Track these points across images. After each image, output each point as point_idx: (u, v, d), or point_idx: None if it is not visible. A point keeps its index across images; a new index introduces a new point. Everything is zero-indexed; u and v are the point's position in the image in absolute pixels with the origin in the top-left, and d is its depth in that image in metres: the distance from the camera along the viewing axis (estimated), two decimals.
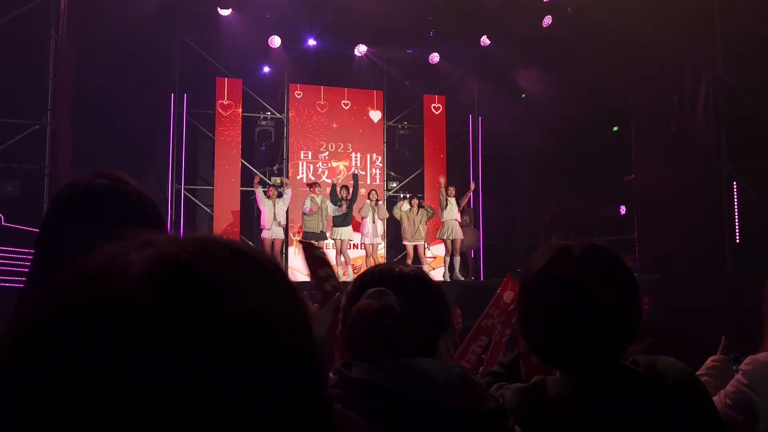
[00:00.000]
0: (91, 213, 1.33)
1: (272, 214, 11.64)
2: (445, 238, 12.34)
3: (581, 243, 1.49)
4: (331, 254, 12.21)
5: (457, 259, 12.20)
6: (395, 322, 1.30)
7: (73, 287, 0.49)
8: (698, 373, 2.09)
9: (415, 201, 12.63)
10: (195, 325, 0.47)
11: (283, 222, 11.91)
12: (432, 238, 13.09)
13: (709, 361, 2.30)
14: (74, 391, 0.44)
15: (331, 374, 1.30)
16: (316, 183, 12.19)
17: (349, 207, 11.93)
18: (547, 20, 12.62)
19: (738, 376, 1.93)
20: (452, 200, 12.27)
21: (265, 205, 11.69)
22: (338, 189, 12.02)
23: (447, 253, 12.47)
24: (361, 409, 1.17)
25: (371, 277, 1.44)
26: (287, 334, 0.51)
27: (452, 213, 12.23)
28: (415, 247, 12.42)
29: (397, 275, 1.41)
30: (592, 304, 1.38)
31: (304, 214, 11.84)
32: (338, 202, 11.82)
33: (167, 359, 0.45)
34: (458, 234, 12.24)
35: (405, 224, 12.37)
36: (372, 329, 1.31)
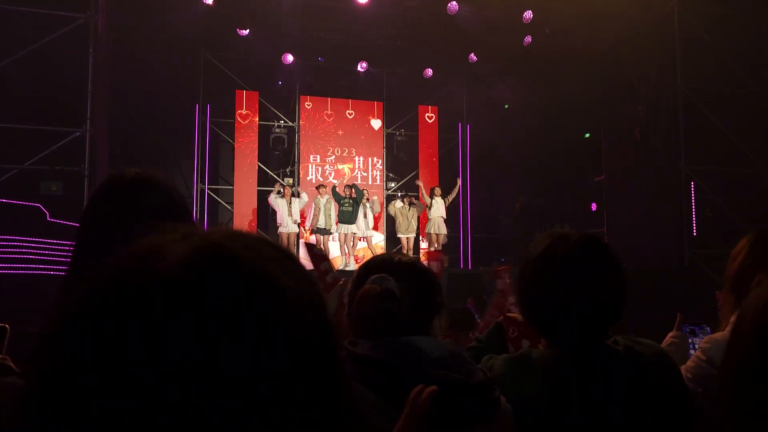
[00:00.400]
0: (131, 197, 1.35)
1: (287, 211, 11.63)
2: (431, 232, 12.38)
3: (578, 232, 1.49)
4: (334, 248, 12.23)
5: None
6: (395, 304, 1.31)
7: (128, 270, 0.48)
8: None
9: (407, 199, 12.70)
10: (242, 305, 0.47)
11: (297, 219, 11.90)
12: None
13: (668, 338, 2.33)
14: (135, 364, 0.43)
15: None
16: (322, 185, 12.17)
17: (354, 207, 11.88)
18: (528, 39, 12.61)
19: (697, 353, 1.95)
20: (438, 199, 12.27)
21: (279, 205, 11.68)
22: (341, 189, 11.99)
23: (431, 245, 12.51)
24: (366, 382, 1.17)
25: (373, 265, 1.44)
26: (313, 311, 0.52)
27: (438, 211, 12.23)
28: (408, 240, 12.40)
29: (396, 264, 1.42)
30: (584, 287, 1.38)
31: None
32: (341, 200, 11.80)
33: (218, 334, 0.45)
34: (442, 229, 12.29)
35: (399, 220, 12.38)
36: (375, 310, 1.31)
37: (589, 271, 1.40)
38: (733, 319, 1.88)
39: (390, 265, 1.42)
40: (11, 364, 1.05)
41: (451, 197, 12.67)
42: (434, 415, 1.16)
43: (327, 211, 11.88)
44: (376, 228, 13.15)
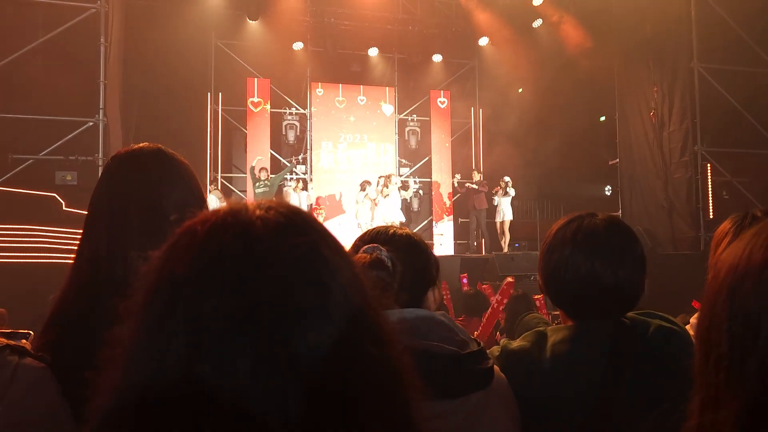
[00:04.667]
0: (141, 165, 1.41)
1: (297, 203, 11.67)
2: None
3: (604, 214, 1.53)
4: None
5: None
6: (384, 273, 1.31)
7: (229, 234, 0.58)
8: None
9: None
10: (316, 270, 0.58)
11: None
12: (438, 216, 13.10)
13: (692, 321, 2.32)
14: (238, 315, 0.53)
15: None
16: (263, 168, 11.93)
17: (270, 190, 11.74)
18: (538, 22, 12.56)
19: (687, 327, 1.96)
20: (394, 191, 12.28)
21: (294, 199, 11.76)
22: (258, 171, 11.83)
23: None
24: None
25: (368, 236, 1.45)
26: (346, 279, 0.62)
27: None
28: None
29: (390, 236, 1.43)
30: (606, 262, 1.41)
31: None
32: (255, 183, 11.72)
33: (307, 287, 0.56)
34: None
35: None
36: None
37: (612, 248, 1.43)
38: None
39: (384, 236, 1.43)
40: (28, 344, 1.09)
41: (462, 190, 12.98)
42: (428, 385, 1.18)
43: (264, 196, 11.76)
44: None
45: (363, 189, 12.17)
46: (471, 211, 13.04)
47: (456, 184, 13.33)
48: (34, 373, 1.03)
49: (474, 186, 12.84)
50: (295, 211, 0.62)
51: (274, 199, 0.68)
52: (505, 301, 5.45)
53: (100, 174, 1.49)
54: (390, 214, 12.00)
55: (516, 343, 1.47)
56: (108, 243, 1.31)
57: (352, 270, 0.62)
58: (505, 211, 12.69)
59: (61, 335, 1.23)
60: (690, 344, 1.46)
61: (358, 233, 1.72)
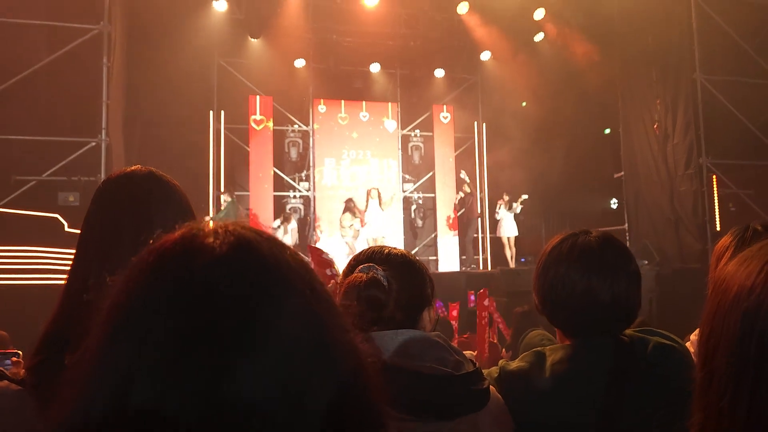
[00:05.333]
0: (133, 187, 1.42)
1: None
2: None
3: (598, 231, 1.54)
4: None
5: None
6: (380, 292, 1.32)
7: (175, 259, 0.57)
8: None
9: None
10: (268, 293, 0.57)
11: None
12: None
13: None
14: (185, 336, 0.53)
15: None
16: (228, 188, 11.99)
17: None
18: (539, 37, 12.62)
19: (688, 344, 1.94)
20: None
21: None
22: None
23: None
24: None
25: (363, 256, 1.46)
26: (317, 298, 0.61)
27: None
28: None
29: (385, 255, 1.43)
30: (601, 279, 1.42)
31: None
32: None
33: (250, 314, 0.55)
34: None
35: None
36: (361, 298, 1.32)
37: (607, 264, 1.44)
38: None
39: (380, 256, 1.43)
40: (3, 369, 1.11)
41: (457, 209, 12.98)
42: (423, 407, 1.19)
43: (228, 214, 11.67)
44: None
45: (353, 214, 12.19)
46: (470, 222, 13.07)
47: (456, 201, 13.29)
48: (10, 396, 1.05)
49: (468, 191, 12.91)
50: (246, 239, 0.60)
51: (234, 220, 0.65)
52: (485, 316, 5.46)
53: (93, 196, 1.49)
54: (377, 231, 12.04)
55: (514, 364, 1.47)
56: (99, 265, 1.30)
57: (307, 303, 0.59)
58: (507, 226, 12.66)
59: (50, 357, 1.23)
60: (690, 361, 1.44)
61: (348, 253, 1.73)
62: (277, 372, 0.53)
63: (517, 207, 12.70)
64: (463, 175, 13.18)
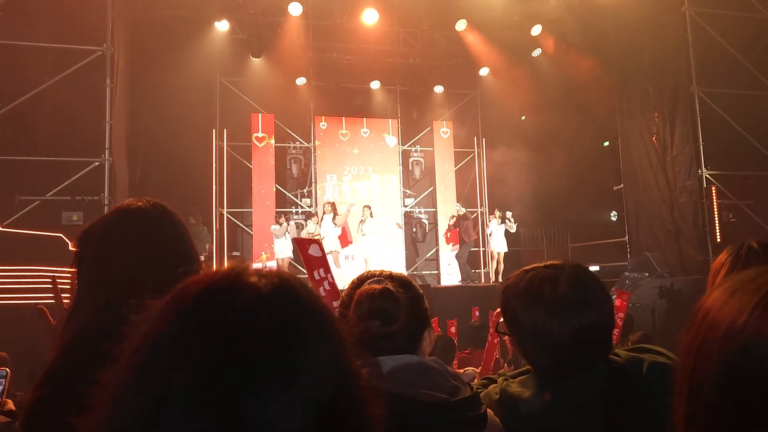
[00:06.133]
0: (147, 218, 1.46)
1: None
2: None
3: (570, 264, 1.45)
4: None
5: None
6: (392, 305, 1.32)
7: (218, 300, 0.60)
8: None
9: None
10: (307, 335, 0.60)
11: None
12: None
13: None
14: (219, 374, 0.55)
15: None
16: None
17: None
18: (537, 52, 12.71)
19: None
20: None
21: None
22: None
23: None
24: None
25: (366, 275, 1.46)
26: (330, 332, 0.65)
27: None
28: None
29: (388, 275, 1.43)
30: (577, 320, 1.35)
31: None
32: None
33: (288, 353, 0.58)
34: None
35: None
36: (373, 309, 1.32)
37: (574, 299, 1.37)
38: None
39: (382, 276, 1.43)
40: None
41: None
42: None
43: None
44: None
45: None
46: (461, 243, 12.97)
47: (455, 216, 13.19)
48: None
49: (462, 212, 12.85)
50: (288, 283, 0.64)
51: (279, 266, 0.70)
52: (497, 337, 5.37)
53: (101, 222, 1.51)
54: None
55: (515, 388, 1.44)
56: (108, 295, 1.32)
57: (333, 348, 0.63)
58: (496, 241, 12.65)
59: (49, 394, 1.23)
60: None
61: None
62: (302, 406, 0.57)
63: (512, 225, 12.70)
64: (458, 206, 13.13)
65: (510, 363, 5.42)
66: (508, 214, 12.81)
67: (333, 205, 12.30)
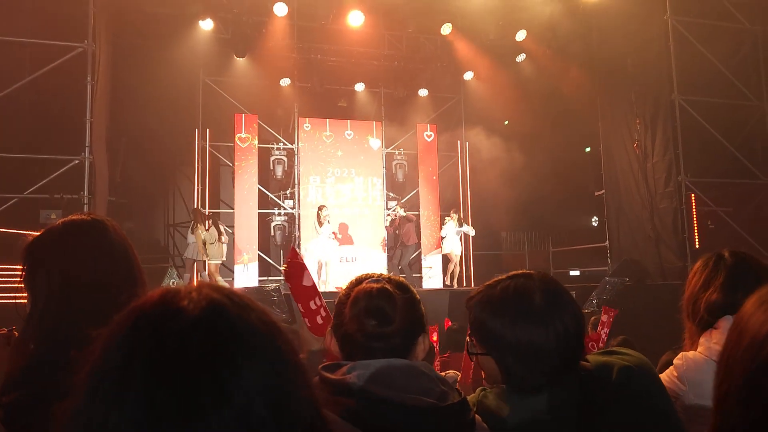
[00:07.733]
0: (111, 242, 1.49)
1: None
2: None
3: (536, 273, 1.46)
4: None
5: None
6: (389, 305, 1.32)
7: (146, 324, 0.61)
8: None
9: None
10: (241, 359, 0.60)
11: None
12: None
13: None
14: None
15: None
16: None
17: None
18: (521, 57, 12.79)
19: (671, 368, 1.95)
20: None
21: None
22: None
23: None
24: (339, 407, 1.16)
25: (364, 276, 1.45)
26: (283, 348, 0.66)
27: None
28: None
29: (386, 277, 1.42)
30: (560, 325, 1.36)
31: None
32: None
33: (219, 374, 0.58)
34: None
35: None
36: (369, 308, 1.32)
37: (552, 305, 1.38)
38: (703, 342, 1.89)
39: (379, 277, 1.43)
40: None
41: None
42: None
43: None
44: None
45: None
46: (398, 246, 12.88)
47: (396, 215, 12.93)
48: None
49: (402, 213, 12.72)
50: (217, 303, 0.64)
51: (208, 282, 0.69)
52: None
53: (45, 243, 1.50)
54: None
55: (491, 399, 1.43)
56: (86, 317, 1.32)
57: (269, 365, 0.63)
58: (448, 243, 12.67)
59: (25, 395, 1.26)
60: (654, 378, 1.43)
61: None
62: (236, 427, 0.57)
63: (469, 228, 12.74)
64: (398, 209, 12.92)
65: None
66: (452, 214, 12.86)
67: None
